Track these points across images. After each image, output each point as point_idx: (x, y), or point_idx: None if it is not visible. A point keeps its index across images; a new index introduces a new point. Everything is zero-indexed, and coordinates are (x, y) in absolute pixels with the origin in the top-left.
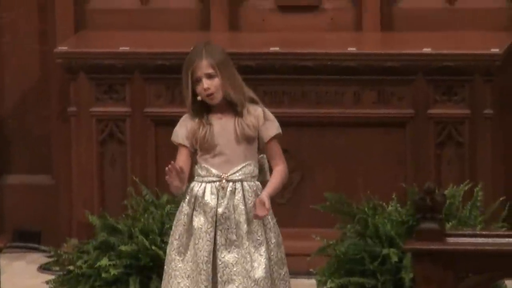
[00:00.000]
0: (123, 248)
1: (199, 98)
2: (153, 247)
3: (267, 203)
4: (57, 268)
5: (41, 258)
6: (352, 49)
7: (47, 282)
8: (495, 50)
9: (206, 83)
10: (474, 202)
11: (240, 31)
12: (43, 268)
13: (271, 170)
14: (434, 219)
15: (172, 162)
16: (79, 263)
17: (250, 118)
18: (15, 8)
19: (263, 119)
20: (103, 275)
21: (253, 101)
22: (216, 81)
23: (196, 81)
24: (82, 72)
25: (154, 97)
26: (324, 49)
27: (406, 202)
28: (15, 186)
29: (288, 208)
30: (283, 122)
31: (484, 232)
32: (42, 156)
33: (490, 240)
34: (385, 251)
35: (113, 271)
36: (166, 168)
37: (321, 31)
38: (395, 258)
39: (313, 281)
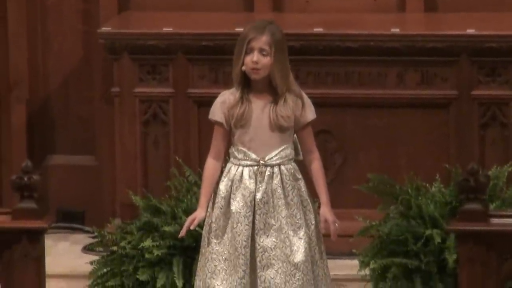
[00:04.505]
0: (166, 228)
1: (243, 68)
2: (197, 228)
3: (335, 219)
4: (101, 249)
5: (85, 239)
6: (395, 30)
7: (91, 263)
8: None
9: (256, 56)
10: None
11: (283, 12)
12: (87, 248)
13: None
14: (477, 200)
15: (194, 221)
16: (122, 243)
17: (286, 111)
18: None
19: (301, 110)
20: (147, 255)
21: (295, 93)
22: (267, 60)
23: (249, 51)
24: (125, 53)
25: (198, 78)
26: (368, 30)
27: (449, 183)
28: (59, 167)
29: (331, 189)
30: (326, 103)
31: None
32: (86, 136)
33: None
34: (428, 232)
35: (156, 252)
36: (187, 226)
37: (364, 12)
38: (438, 239)
39: (355, 262)
